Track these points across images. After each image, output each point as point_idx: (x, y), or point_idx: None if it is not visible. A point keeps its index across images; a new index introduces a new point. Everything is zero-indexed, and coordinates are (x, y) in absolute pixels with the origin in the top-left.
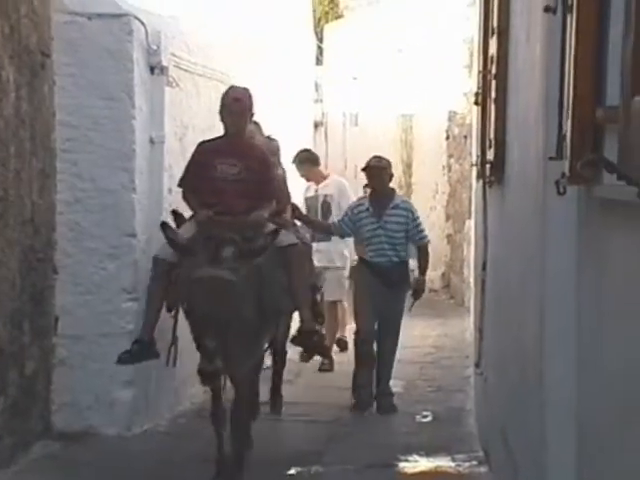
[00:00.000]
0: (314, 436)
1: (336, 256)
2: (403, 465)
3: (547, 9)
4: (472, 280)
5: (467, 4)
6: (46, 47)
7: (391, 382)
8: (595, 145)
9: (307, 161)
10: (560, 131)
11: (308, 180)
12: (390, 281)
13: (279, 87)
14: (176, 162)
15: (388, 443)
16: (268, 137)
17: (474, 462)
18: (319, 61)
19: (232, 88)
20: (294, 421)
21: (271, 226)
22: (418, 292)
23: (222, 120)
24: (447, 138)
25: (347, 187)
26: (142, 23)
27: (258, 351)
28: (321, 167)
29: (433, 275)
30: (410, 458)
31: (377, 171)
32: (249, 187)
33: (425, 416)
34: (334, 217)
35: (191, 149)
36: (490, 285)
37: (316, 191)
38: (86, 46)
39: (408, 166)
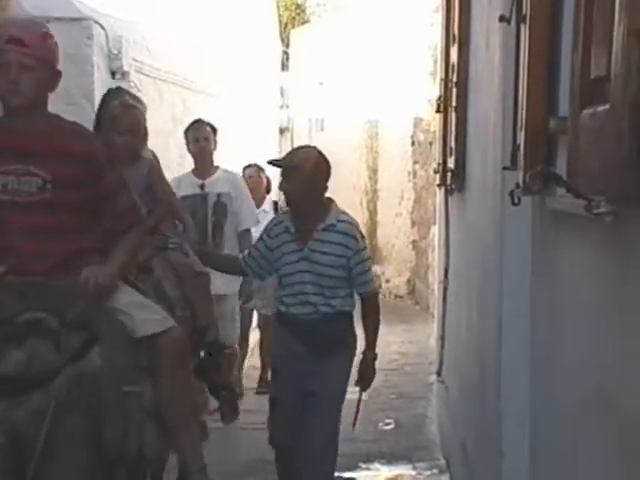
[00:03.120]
0: None
1: (222, 280)
2: (364, 473)
3: (502, 19)
4: (437, 286)
5: (432, 10)
6: None
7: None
8: (549, 156)
9: (210, 128)
10: (515, 141)
11: (203, 161)
12: (318, 344)
13: (244, 93)
14: None
15: (349, 451)
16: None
17: (435, 470)
18: (285, 66)
19: (5, 23)
20: (251, 429)
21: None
22: (365, 378)
23: None
24: (412, 144)
25: (245, 185)
26: (102, 27)
27: None
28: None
29: (398, 281)
30: (371, 466)
31: (284, 169)
32: (67, 213)
33: (387, 424)
34: (228, 231)
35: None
36: (451, 292)
37: (202, 187)
38: None
39: (374, 172)
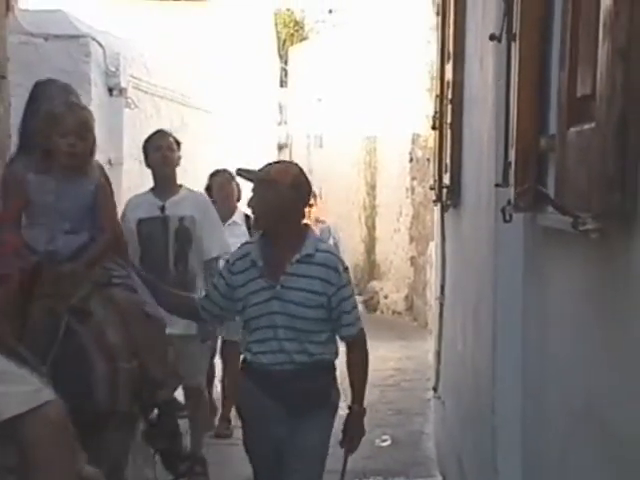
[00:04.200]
0: None
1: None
2: None
3: (492, 37)
4: (434, 302)
5: (429, 27)
6: (1, 68)
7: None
8: (539, 173)
9: (169, 137)
10: (506, 158)
11: (165, 177)
12: (292, 402)
13: (242, 109)
14: (135, 184)
15: None
16: None
17: None
18: (283, 83)
19: None
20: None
21: None
22: (351, 438)
23: None
24: (410, 160)
25: (212, 207)
26: (100, 44)
27: None
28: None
29: (396, 297)
30: None
31: (256, 185)
32: None
33: (384, 440)
34: (192, 261)
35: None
36: (448, 308)
37: (162, 209)
38: (42, 67)
39: (372, 188)
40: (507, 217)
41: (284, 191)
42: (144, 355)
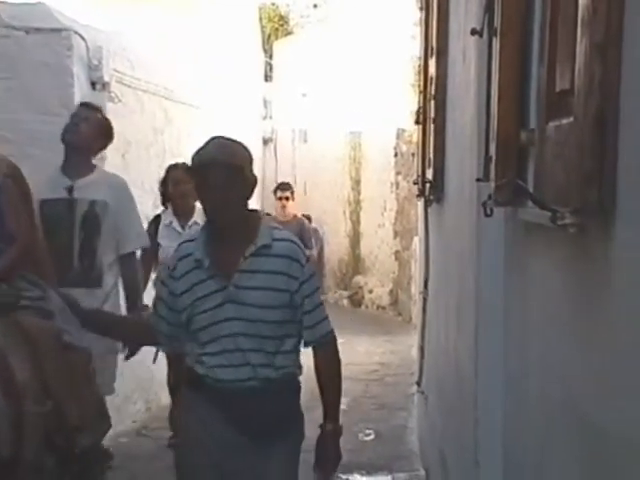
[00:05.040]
0: None
1: None
2: None
3: (474, 32)
4: (418, 297)
5: (413, 23)
6: None
7: None
8: (520, 168)
9: (95, 112)
10: (487, 153)
11: (76, 152)
12: (257, 428)
13: (227, 103)
14: None
15: None
16: None
17: None
18: (268, 77)
19: None
20: None
21: None
22: (327, 461)
23: None
24: (395, 155)
25: (129, 191)
26: (83, 38)
27: None
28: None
29: (381, 291)
30: (350, 477)
31: (220, 172)
32: None
33: (367, 434)
34: (101, 254)
35: (134, 165)
36: (431, 303)
37: (70, 191)
38: (24, 61)
39: (357, 183)
40: (488, 211)
41: (248, 176)
42: (59, 395)
